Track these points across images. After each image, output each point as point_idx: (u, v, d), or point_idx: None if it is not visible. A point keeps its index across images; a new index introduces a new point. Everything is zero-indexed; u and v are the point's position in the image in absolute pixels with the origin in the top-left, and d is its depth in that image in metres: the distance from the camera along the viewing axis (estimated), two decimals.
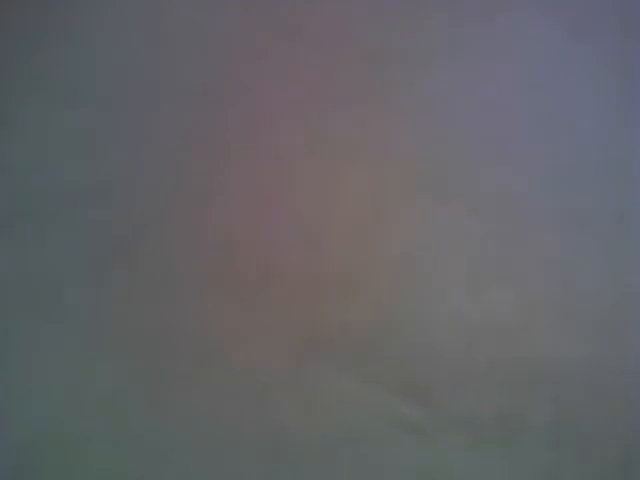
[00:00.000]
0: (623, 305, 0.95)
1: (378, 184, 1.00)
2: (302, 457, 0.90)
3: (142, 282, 0.97)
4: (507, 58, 1.05)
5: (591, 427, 0.91)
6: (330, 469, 0.90)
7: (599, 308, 0.95)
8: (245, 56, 1.06)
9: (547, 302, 0.95)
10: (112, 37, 1.07)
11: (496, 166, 1.01)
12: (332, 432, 0.91)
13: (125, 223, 0.99)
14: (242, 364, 0.94)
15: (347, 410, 0.92)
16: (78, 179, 1.01)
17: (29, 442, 0.91)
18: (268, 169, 1.01)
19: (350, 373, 0.93)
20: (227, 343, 0.95)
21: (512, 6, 1.07)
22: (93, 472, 0.90)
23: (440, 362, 0.93)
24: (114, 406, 0.92)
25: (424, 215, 0.99)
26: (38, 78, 1.05)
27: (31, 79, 1.05)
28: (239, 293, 0.96)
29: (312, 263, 0.97)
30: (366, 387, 0.92)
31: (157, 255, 0.98)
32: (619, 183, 1.00)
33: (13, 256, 0.98)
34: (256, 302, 0.96)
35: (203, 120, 1.03)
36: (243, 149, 1.02)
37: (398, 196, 1.00)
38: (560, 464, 0.90)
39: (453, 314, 0.95)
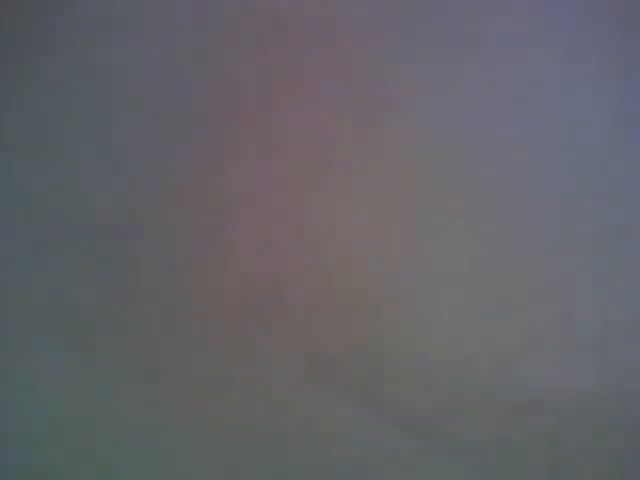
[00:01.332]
0: (626, 332, 0.95)
1: (382, 203, 1.00)
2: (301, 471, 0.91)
3: (143, 284, 0.97)
4: (506, 58, 1.05)
5: (591, 458, 0.91)
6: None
7: (600, 336, 0.95)
8: (245, 56, 1.06)
9: (546, 330, 0.95)
10: (111, 39, 1.07)
11: (495, 172, 1.01)
12: (333, 459, 0.91)
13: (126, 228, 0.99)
14: (242, 364, 0.94)
15: (346, 437, 0.92)
16: (93, 208, 1.00)
17: (29, 442, 0.91)
18: (268, 169, 1.01)
19: (349, 400, 0.93)
20: (226, 343, 0.95)
21: (511, 6, 1.07)
22: (93, 472, 0.90)
23: (439, 391, 0.93)
24: (114, 406, 0.92)
25: (425, 243, 0.98)
26: (54, 106, 1.05)
27: (47, 108, 1.05)
28: (238, 306, 0.96)
29: (313, 272, 0.98)
30: (364, 415, 0.92)
31: (157, 256, 0.98)
32: (621, 194, 1.00)
33: (23, 283, 0.98)
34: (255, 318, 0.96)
35: (202, 127, 1.03)
36: (244, 150, 1.02)
37: (401, 218, 1.00)
38: None
39: (452, 343, 0.95)
